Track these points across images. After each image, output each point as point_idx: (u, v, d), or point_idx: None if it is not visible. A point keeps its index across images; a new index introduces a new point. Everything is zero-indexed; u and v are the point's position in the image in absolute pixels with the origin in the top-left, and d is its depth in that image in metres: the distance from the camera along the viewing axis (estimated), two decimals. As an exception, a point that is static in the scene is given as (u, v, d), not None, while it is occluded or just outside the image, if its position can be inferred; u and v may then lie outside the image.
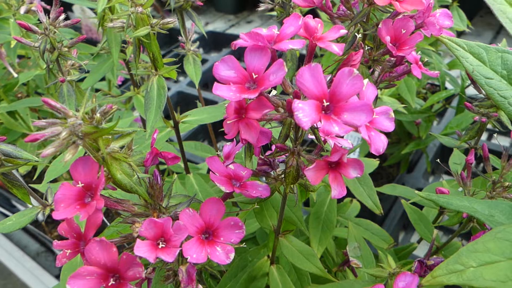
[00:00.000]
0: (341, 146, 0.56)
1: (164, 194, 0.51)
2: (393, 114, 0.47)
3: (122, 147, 0.50)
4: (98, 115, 0.41)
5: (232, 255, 0.44)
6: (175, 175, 0.74)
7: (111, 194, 0.61)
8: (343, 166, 0.46)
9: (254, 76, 0.43)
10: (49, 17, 0.68)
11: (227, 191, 0.49)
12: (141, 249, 0.41)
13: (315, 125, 0.45)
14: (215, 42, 2.84)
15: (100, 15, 0.82)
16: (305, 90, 0.40)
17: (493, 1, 0.48)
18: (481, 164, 1.71)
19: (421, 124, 1.46)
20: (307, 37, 0.46)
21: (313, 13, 0.76)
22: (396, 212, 1.50)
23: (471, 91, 1.37)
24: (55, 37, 0.68)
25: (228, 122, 0.45)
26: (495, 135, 1.80)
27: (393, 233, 1.46)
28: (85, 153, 0.47)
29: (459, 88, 1.42)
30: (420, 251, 1.16)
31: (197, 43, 0.93)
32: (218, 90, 0.42)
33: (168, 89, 2.23)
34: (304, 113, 0.38)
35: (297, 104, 0.38)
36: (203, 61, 2.41)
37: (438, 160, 0.90)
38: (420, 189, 1.58)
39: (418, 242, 1.04)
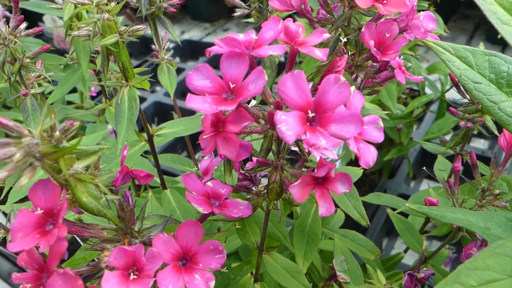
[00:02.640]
0: (327, 158, 0.52)
1: (136, 216, 0.47)
2: (381, 123, 0.44)
3: (88, 167, 0.46)
4: (57, 133, 0.37)
5: (212, 284, 0.40)
6: (150, 192, 0.70)
7: (81, 217, 0.56)
8: (331, 181, 0.42)
9: (232, 86, 0.39)
10: (9, 26, 0.63)
11: (205, 212, 0.45)
12: (110, 282, 0.37)
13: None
14: (191, 50, 2.80)
15: (67, 24, 0.77)
16: (288, 100, 0.36)
17: (483, 1, 0.45)
18: (463, 168, 1.71)
19: (402, 129, 1.44)
20: (288, 42, 0.42)
21: (294, 20, 0.73)
22: (380, 219, 1.48)
23: (450, 95, 1.37)
24: (16, 47, 0.63)
25: (204, 137, 0.41)
26: (482, 140, 1.80)
27: (377, 240, 1.43)
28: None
29: (438, 92, 1.41)
30: (407, 258, 1.14)
31: (171, 51, 0.89)
32: (192, 102, 0.38)
33: (145, 99, 2.19)
34: (288, 125, 0.35)
35: (280, 116, 0.34)
36: (180, 70, 2.37)
37: (421, 165, 0.88)
38: (402, 195, 1.56)
39: (405, 251, 1.01)
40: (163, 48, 0.88)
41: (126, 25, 0.61)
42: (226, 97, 0.40)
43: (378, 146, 1.60)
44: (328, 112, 0.37)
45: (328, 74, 0.43)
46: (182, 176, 0.47)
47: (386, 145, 1.55)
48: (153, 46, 0.89)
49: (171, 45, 2.96)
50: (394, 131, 1.46)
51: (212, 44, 0.42)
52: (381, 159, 1.50)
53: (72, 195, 0.42)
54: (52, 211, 0.40)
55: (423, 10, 1.66)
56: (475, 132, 0.83)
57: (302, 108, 0.37)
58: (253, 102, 0.51)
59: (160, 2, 0.80)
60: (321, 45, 0.66)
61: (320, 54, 0.40)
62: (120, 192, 0.49)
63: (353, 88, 0.43)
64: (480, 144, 1.86)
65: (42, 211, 0.39)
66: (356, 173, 0.93)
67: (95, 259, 0.46)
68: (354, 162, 1.26)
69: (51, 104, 1.08)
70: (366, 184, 1.67)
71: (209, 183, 0.48)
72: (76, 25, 0.68)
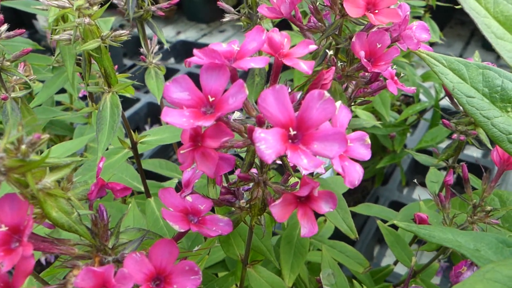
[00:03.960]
0: (312, 173, 0.50)
1: (111, 231, 0.45)
2: (369, 140, 0.42)
3: (62, 179, 0.44)
4: (24, 146, 0.35)
5: (186, 306, 0.38)
6: (133, 200, 0.68)
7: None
8: (314, 200, 0.40)
9: (211, 99, 0.37)
10: (-12, 28, 0.61)
11: (181, 230, 0.43)
12: (76, 306, 0.35)
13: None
14: (187, 51, 2.77)
15: (51, 26, 0.75)
16: (269, 116, 0.34)
17: (477, 14, 0.44)
18: (456, 177, 1.69)
19: (396, 137, 1.43)
20: (272, 53, 0.40)
21: (286, 24, 0.71)
22: (371, 227, 1.46)
23: (444, 102, 1.35)
24: (-5, 49, 0.61)
25: (181, 151, 0.39)
26: (474, 154, 1.78)
27: (368, 247, 1.42)
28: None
29: (433, 100, 1.40)
30: (399, 267, 1.12)
31: (160, 55, 0.87)
32: (168, 116, 0.36)
33: (138, 99, 2.16)
34: (267, 144, 0.33)
35: (259, 133, 0.33)
36: (175, 71, 2.34)
37: (414, 172, 0.86)
38: (395, 202, 1.54)
39: (395, 263, 0.99)
40: (152, 52, 0.86)
41: (122, 25, 0.59)
42: (205, 110, 0.38)
43: (371, 154, 1.58)
44: (312, 129, 0.35)
45: (314, 88, 0.41)
46: (160, 190, 0.45)
47: (379, 153, 1.53)
48: (141, 50, 0.87)
49: (166, 46, 2.94)
50: (387, 139, 1.44)
51: (208, 45, 0.40)
52: (373, 167, 1.48)
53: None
54: (19, 227, 0.37)
55: (419, 17, 1.64)
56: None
57: (283, 125, 0.35)
58: (237, 114, 0.49)
59: (148, 5, 0.78)
60: (314, 54, 0.64)
61: (305, 67, 0.38)
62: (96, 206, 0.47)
63: (339, 103, 0.41)
64: (475, 151, 1.84)
65: (7, 227, 0.37)
66: (346, 183, 0.91)
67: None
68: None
69: (40, 105, 1.06)
70: (358, 191, 1.65)
71: (189, 198, 0.46)
72: (62, 28, 0.66)
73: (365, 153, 0.41)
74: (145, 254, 0.40)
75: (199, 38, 3.29)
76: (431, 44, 2.61)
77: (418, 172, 1.76)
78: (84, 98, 1.94)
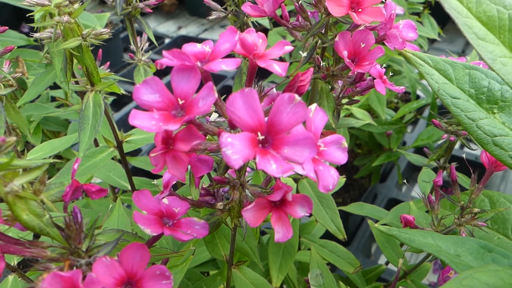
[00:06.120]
0: (294, 174, 0.50)
1: (86, 233, 0.44)
2: (346, 144, 0.41)
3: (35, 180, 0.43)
4: (-12, 149, 0.34)
5: (156, 312, 0.38)
6: (118, 199, 0.67)
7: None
8: (289, 204, 0.40)
9: (181, 102, 0.36)
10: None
11: (153, 234, 0.42)
12: (41, 311, 0.34)
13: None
14: (186, 47, 2.76)
15: (37, 23, 0.74)
16: (237, 120, 0.34)
17: (458, 14, 0.43)
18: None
19: (392, 135, 1.41)
20: (246, 54, 0.39)
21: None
22: (368, 224, 1.45)
23: (442, 100, 1.34)
24: (-23, 47, 0.60)
25: (152, 155, 0.38)
26: (464, 155, 1.76)
27: (365, 245, 1.41)
28: None
29: (430, 97, 1.38)
30: (393, 265, 1.11)
31: (150, 52, 0.86)
32: (136, 118, 0.35)
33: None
34: (234, 149, 0.32)
35: (225, 138, 0.32)
36: (173, 67, 2.33)
37: (413, 170, 0.85)
38: (393, 199, 1.53)
39: (386, 264, 0.99)
40: (141, 49, 0.85)
41: (122, 21, 0.59)
42: (175, 113, 0.37)
43: (367, 151, 1.57)
44: (282, 133, 0.34)
45: (289, 90, 0.40)
46: (134, 193, 0.45)
47: (376, 151, 1.52)
48: (131, 47, 0.86)
49: (167, 40, 2.93)
50: (383, 137, 1.43)
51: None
52: (370, 164, 1.47)
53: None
54: (-13, 231, 0.37)
55: (417, 13, 1.61)
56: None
57: (252, 129, 0.34)
58: (215, 116, 0.48)
59: (136, 2, 0.77)
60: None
61: (279, 69, 0.38)
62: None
63: (314, 105, 0.40)
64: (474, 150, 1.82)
65: (-26, 231, 0.36)
66: (338, 181, 0.90)
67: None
68: (338, 169, 1.23)
69: (32, 101, 1.05)
70: (355, 188, 1.64)
71: (165, 200, 0.46)
72: (41, 25, 0.65)
73: (341, 157, 0.40)
74: (116, 258, 0.39)
75: (200, 33, 3.28)
76: (433, 41, 2.59)
77: (417, 169, 1.75)
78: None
